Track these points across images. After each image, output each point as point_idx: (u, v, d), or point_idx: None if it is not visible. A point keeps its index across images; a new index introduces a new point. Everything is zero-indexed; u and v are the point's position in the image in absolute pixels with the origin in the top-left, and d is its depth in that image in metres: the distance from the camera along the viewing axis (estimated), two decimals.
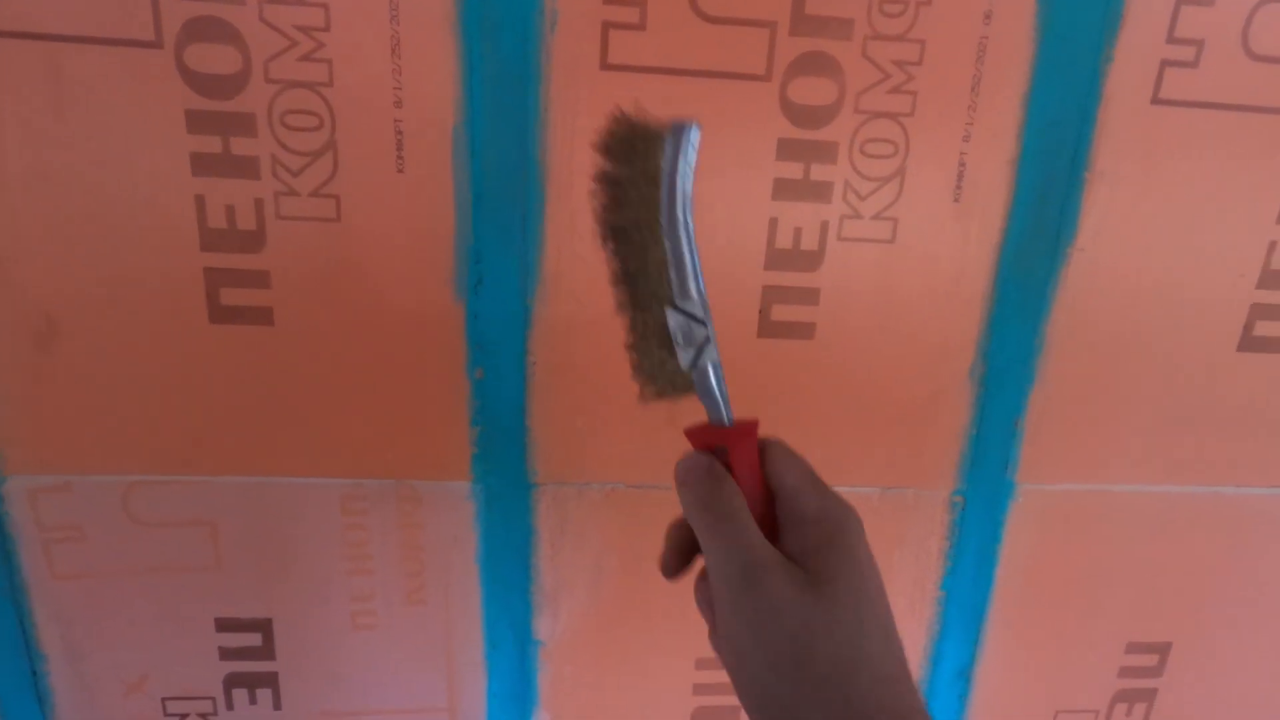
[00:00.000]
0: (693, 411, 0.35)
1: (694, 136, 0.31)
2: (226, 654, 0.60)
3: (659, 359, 0.34)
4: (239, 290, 0.53)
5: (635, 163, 0.32)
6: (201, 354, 0.54)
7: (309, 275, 0.53)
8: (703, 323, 0.33)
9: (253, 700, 0.61)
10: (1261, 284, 0.58)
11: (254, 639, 0.60)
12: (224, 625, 0.59)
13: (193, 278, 0.52)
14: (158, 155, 0.49)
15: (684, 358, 0.33)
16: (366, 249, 0.53)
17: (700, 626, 0.64)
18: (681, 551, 0.36)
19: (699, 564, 0.35)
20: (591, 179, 0.33)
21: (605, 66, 0.50)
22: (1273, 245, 0.58)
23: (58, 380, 0.53)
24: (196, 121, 0.49)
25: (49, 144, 0.49)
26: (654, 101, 0.51)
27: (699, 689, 0.65)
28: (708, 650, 0.64)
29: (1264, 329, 0.59)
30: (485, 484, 0.58)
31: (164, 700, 0.61)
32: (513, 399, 0.56)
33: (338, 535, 0.58)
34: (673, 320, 0.32)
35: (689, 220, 0.32)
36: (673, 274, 0.32)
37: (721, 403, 0.33)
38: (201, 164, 0.50)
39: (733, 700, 0.66)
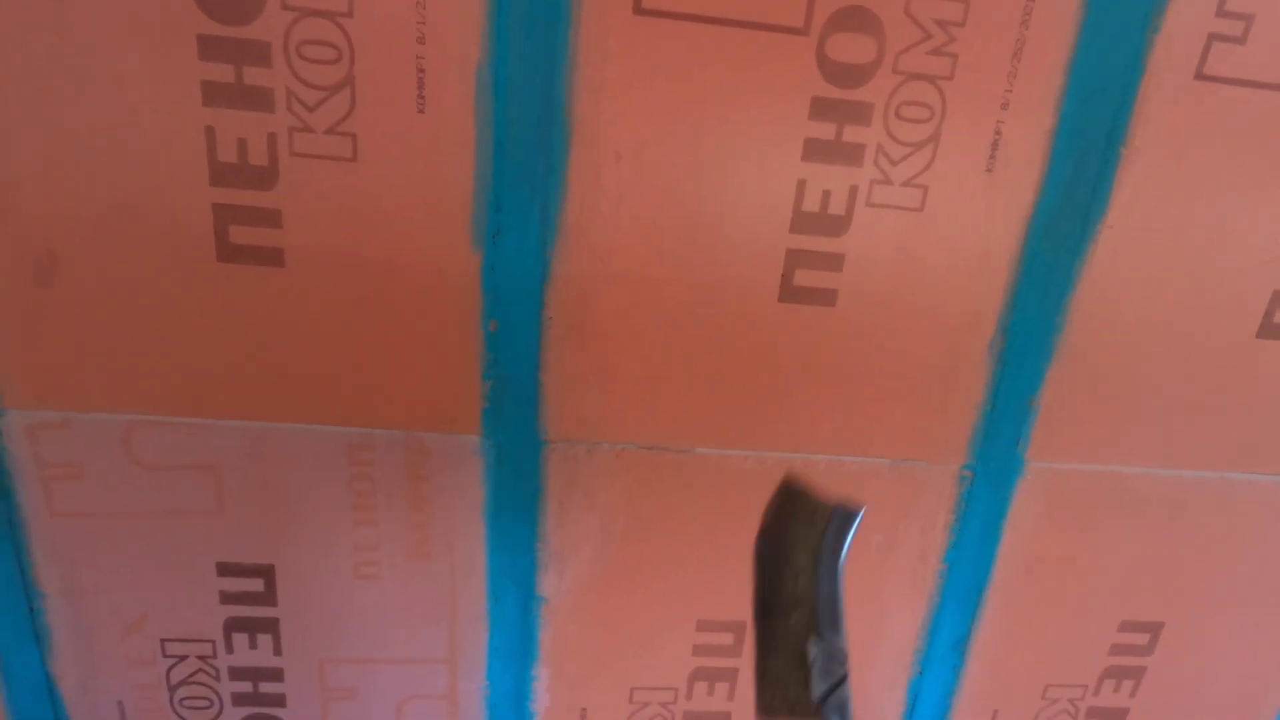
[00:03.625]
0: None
1: (859, 519, 0.37)
2: (227, 598, 0.60)
3: (786, 683, 0.37)
4: (249, 229, 0.51)
5: (796, 525, 0.38)
6: (208, 293, 0.52)
7: (322, 216, 0.51)
8: (844, 660, 0.36)
9: (253, 645, 0.61)
10: None
11: (256, 584, 0.60)
12: (225, 570, 0.59)
13: (201, 213, 0.50)
14: (167, 81, 0.47)
15: (818, 687, 0.36)
16: (383, 191, 0.51)
17: (703, 588, 0.64)
18: None
19: None
20: (760, 521, 0.39)
21: (639, 11, 0.48)
22: None
23: (58, 314, 0.52)
24: (209, 48, 0.47)
25: (49, 63, 0.46)
26: (688, 51, 0.49)
27: (698, 650, 0.65)
28: (708, 613, 0.65)
29: None
30: (495, 439, 0.57)
31: (163, 641, 0.61)
32: (527, 354, 0.55)
33: (344, 485, 0.58)
34: (814, 650, 0.36)
35: (842, 576, 0.37)
36: (824, 614, 0.37)
37: None
38: (213, 93, 0.48)
39: (730, 662, 0.67)
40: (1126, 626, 0.69)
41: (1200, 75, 0.52)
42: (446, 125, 0.50)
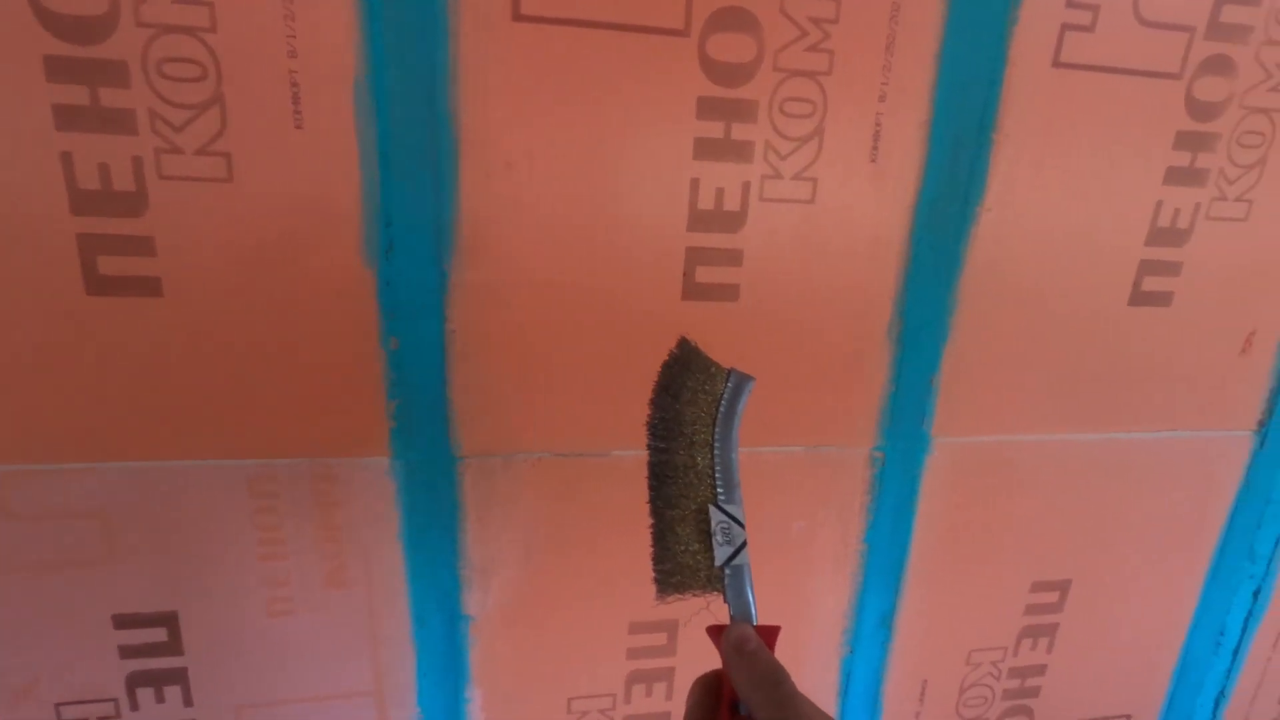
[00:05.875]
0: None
1: (750, 386, 0.37)
2: (127, 652, 0.56)
3: (684, 555, 0.36)
4: (120, 259, 0.48)
5: (691, 381, 0.37)
6: (80, 329, 0.49)
7: (200, 241, 0.49)
8: (742, 525, 0.36)
9: (160, 698, 0.58)
10: (1149, 241, 0.62)
11: (158, 634, 0.56)
12: (122, 622, 0.55)
13: (64, 244, 0.47)
14: (12, 107, 0.44)
15: (720, 554, 0.36)
16: (264, 212, 0.49)
17: (633, 591, 0.64)
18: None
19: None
20: (652, 388, 0.38)
21: (518, 18, 0.48)
22: (1159, 204, 0.61)
23: None
24: (57, 69, 0.44)
25: None
26: (572, 56, 0.49)
27: (633, 653, 0.65)
28: (641, 615, 0.65)
29: (1151, 284, 0.63)
30: (405, 459, 0.56)
31: (58, 706, 0.56)
32: (432, 369, 0.54)
33: (247, 519, 0.55)
34: (715, 518, 0.36)
35: (737, 441, 0.37)
36: (720, 480, 0.36)
37: (751, 601, 0.36)
38: (66, 117, 0.45)
39: (665, 662, 0.67)
40: (1038, 587, 0.73)
41: (1057, 63, 0.56)
42: (326, 140, 0.48)
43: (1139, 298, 0.64)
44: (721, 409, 0.37)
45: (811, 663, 0.69)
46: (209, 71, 0.46)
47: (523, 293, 0.54)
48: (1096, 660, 0.77)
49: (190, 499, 0.54)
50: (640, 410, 0.58)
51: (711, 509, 0.36)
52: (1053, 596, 0.73)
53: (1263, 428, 0.71)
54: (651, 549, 0.37)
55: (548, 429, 0.57)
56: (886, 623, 0.70)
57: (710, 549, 0.36)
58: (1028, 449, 0.66)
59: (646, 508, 0.38)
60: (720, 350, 0.58)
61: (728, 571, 0.36)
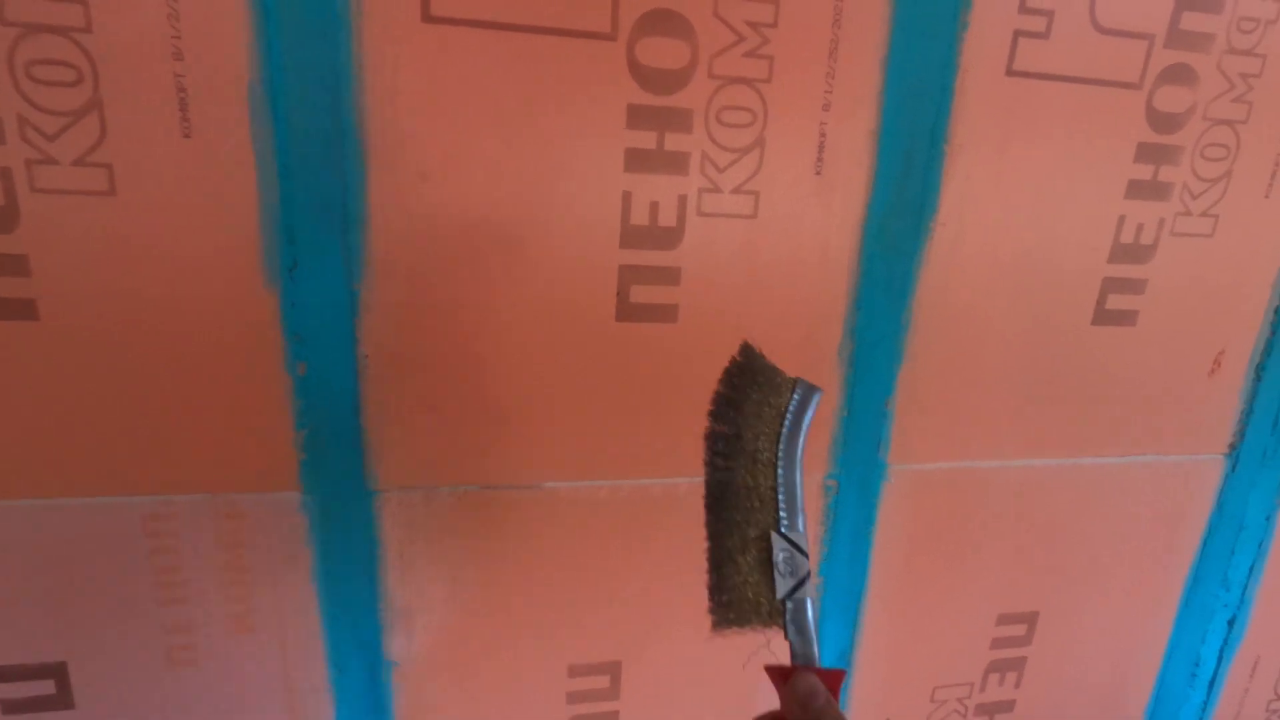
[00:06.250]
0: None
1: (818, 399, 0.34)
2: (10, 707, 0.51)
3: (743, 586, 0.34)
4: None
5: (755, 392, 0.34)
6: None
7: (81, 259, 0.45)
8: (806, 555, 0.33)
9: None
10: (1112, 258, 0.59)
11: (45, 687, 0.51)
12: (3, 674, 0.51)
13: None
14: None
15: (782, 586, 0.33)
16: (151, 227, 0.45)
17: (571, 631, 0.60)
18: None
19: None
20: (711, 398, 0.35)
21: (428, 19, 0.45)
22: (1121, 219, 0.58)
23: None
24: None
25: None
26: (490, 59, 0.46)
27: (573, 697, 0.61)
28: (579, 656, 0.60)
29: (1115, 302, 0.61)
30: (317, 493, 0.51)
31: None
32: (344, 396, 0.50)
33: (142, 561, 0.50)
34: (778, 546, 0.33)
35: (802, 460, 0.33)
36: (783, 504, 0.33)
37: (814, 639, 0.33)
38: None
39: (608, 705, 0.63)
40: (1004, 619, 0.69)
41: (1011, 71, 0.53)
42: (218, 150, 0.44)
43: (1103, 317, 0.61)
44: (787, 424, 0.33)
45: (766, 704, 0.65)
46: (85, 75, 0.42)
47: (442, 313, 0.50)
48: (1067, 695, 0.73)
49: (77, 539, 0.49)
50: (572, 440, 0.55)
51: (774, 536, 0.33)
52: (1020, 629, 0.70)
53: (1234, 450, 0.68)
54: (708, 577, 0.35)
55: (473, 460, 0.53)
56: (845, 659, 0.66)
57: (771, 580, 0.33)
58: (990, 475, 0.63)
59: (703, 531, 0.35)
60: (658, 375, 0.54)
61: (789, 606, 0.33)
